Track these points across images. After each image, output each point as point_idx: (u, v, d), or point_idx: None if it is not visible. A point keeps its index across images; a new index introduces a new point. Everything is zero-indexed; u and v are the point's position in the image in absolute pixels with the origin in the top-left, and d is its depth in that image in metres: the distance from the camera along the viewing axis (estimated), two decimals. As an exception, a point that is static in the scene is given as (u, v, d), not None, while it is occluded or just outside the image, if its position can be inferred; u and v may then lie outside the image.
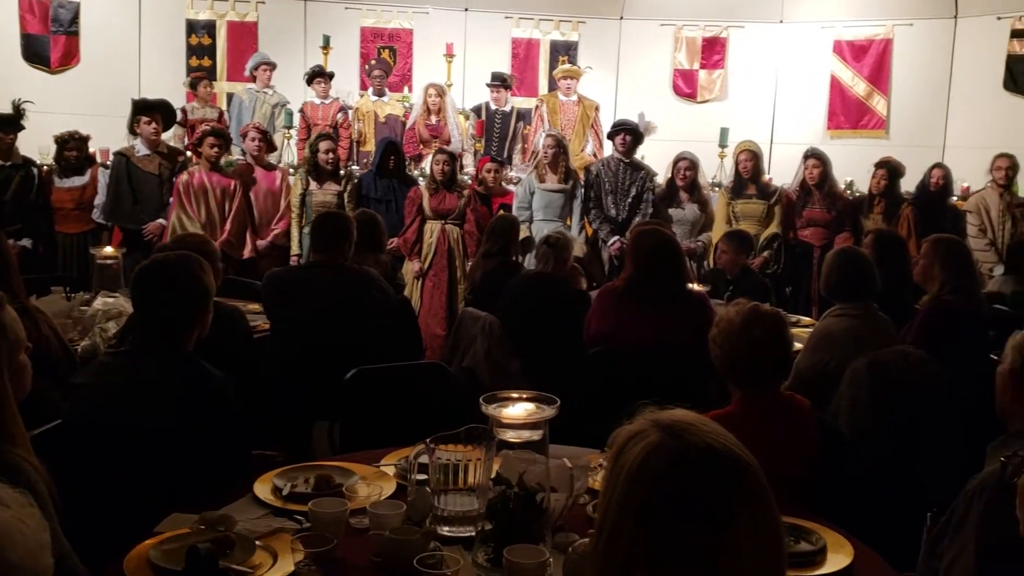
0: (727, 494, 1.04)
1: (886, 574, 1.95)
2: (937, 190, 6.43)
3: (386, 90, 7.85)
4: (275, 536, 1.93)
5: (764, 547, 1.06)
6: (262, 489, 2.17)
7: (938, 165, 6.60)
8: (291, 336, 3.79)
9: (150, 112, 5.92)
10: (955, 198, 6.70)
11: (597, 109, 7.87)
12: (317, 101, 7.57)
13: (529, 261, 5.58)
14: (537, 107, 7.97)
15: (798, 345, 3.66)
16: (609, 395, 3.18)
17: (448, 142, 7.21)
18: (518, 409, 1.83)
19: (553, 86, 8.68)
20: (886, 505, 2.79)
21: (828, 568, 1.92)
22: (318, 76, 7.51)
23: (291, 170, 6.61)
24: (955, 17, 8.50)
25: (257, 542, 1.88)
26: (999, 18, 8.25)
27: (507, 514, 1.76)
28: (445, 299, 6.10)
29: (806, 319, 4.82)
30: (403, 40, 8.87)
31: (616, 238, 6.17)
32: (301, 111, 7.51)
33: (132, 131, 6.03)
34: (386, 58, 8.65)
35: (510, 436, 1.82)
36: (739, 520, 1.04)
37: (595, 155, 7.58)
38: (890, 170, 6.30)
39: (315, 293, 3.79)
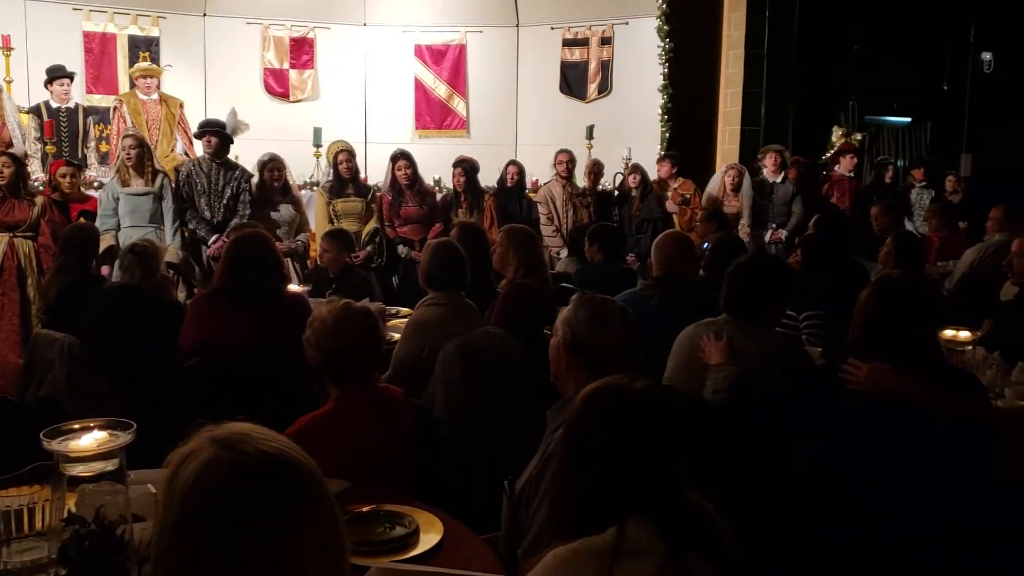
0: (286, 498, 1.06)
1: (473, 542, 2.11)
2: (513, 184, 7.13)
3: (-77, 87, 6.75)
4: None
5: (325, 543, 1.09)
6: None
7: (512, 162, 7.33)
8: None
9: None
10: (528, 190, 7.47)
11: (181, 107, 7.52)
12: None
13: (116, 273, 5.16)
14: (116, 107, 7.38)
15: (397, 335, 3.83)
16: (209, 407, 3.06)
17: (10, 145, 6.41)
18: (88, 440, 1.69)
19: (135, 83, 8.09)
20: (480, 474, 3.05)
21: (421, 548, 2.02)
22: None
23: None
24: (517, 26, 9.42)
25: None
26: (552, 28, 9.32)
27: (83, 554, 1.63)
28: (18, 321, 5.42)
29: (404, 310, 5.02)
30: (-56, 31, 7.64)
31: (217, 235, 5.94)
32: None
33: None
34: (-77, 51, 7.40)
35: (80, 470, 1.67)
36: (300, 521, 1.06)
37: (186, 154, 7.22)
38: (466, 168, 6.82)
39: None
